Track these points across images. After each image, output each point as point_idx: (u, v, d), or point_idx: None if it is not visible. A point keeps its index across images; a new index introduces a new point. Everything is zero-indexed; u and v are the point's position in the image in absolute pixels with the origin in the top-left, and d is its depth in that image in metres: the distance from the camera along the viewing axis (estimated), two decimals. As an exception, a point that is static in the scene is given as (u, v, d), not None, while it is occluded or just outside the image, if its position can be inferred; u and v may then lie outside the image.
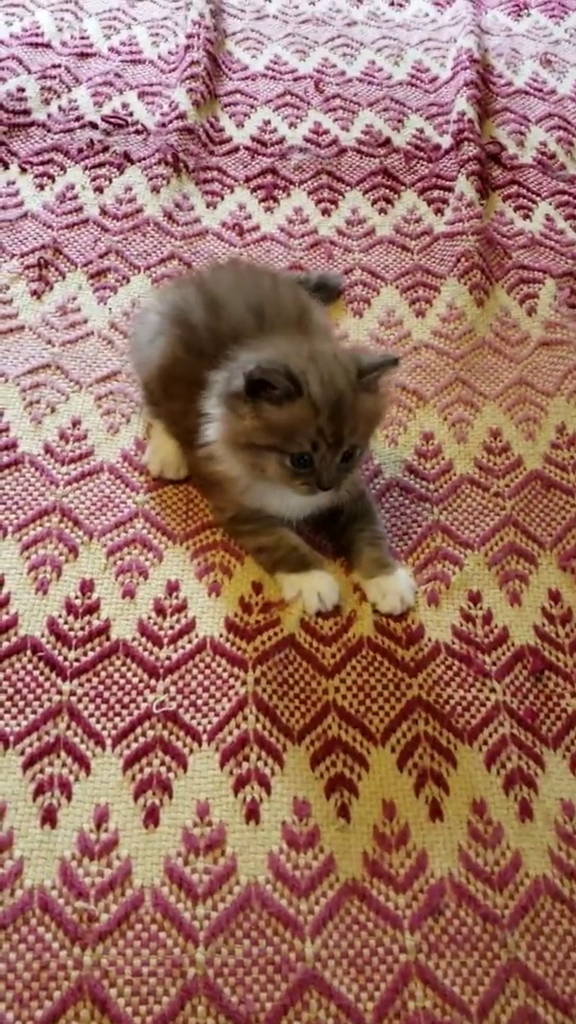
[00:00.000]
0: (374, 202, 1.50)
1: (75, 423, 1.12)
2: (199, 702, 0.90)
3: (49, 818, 0.81)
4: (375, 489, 1.10)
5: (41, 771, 0.83)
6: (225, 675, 0.92)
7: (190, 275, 1.24)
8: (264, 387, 0.88)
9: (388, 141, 1.61)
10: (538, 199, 1.54)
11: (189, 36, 1.71)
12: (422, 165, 1.58)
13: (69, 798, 0.82)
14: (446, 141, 1.61)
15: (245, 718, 0.89)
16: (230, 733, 0.88)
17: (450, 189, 1.52)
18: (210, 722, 0.89)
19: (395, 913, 0.80)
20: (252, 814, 0.83)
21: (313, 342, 0.97)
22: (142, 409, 1.14)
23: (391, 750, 0.89)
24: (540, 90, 1.78)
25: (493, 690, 0.94)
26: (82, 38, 1.71)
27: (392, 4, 1.98)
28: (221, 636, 0.95)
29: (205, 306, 1.03)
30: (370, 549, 1.00)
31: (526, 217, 1.51)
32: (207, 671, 0.92)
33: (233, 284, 1.06)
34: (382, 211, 1.49)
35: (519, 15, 1.99)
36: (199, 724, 0.88)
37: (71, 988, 0.72)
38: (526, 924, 0.80)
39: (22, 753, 0.84)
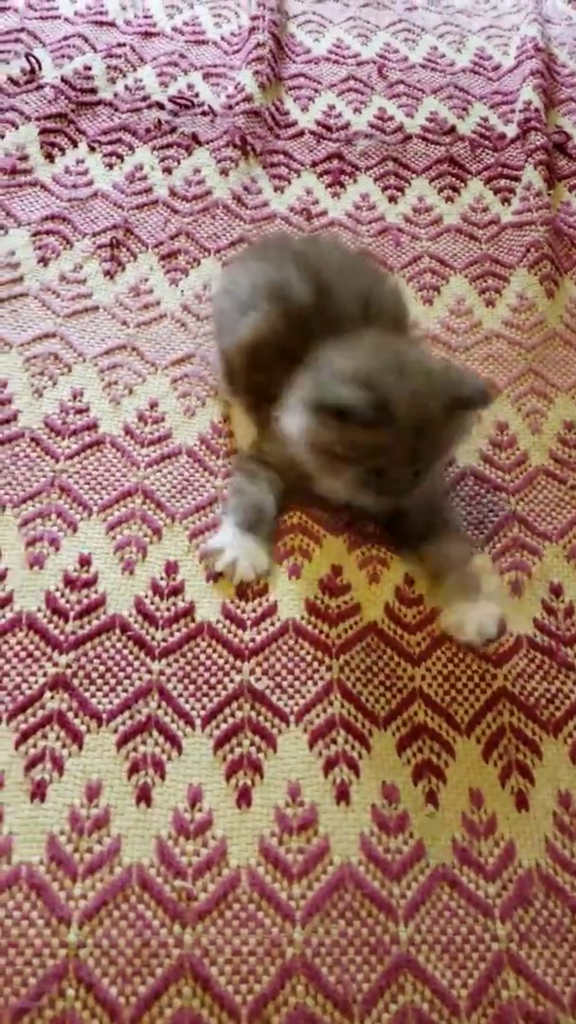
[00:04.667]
0: (440, 190, 1.49)
1: (152, 405, 1.12)
2: (284, 684, 0.90)
3: (144, 796, 0.81)
4: (449, 477, 1.10)
5: (135, 749, 0.84)
6: (309, 658, 0.92)
7: (277, 247, 1.17)
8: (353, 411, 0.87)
9: (453, 129, 1.60)
10: (605, 191, 1.53)
11: (254, 18, 1.69)
12: (487, 154, 1.57)
13: (163, 777, 0.83)
14: (511, 130, 1.60)
15: (331, 703, 0.89)
16: (317, 716, 0.88)
17: (517, 179, 1.51)
18: (297, 704, 0.89)
19: (486, 902, 0.80)
20: (343, 795, 0.84)
21: (406, 349, 0.97)
22: (220, 390, 1.13)
23: (476, 740, 0.89)
24: (604, 81, 1.76)
25: (577, 682, 0.94)
26: (145, 17, 1.70)
27: (452, -10, 1.97)
28: (303, 619, 0.95)
29: (310, 284, 1.00)
30: (455, 575, 0.97)
31: (593, 209, 1.50)
32: (291, 654, 0.92)
33: (338, 266, 1.05)
34: (449, 199, 1.48)
35: (580, 4, 1.97)
36: (286, 706, 0.89)
37: (172, 966, 0.73)
38: (616, 915, 0.80)
39: (115, 731, 0.85)
